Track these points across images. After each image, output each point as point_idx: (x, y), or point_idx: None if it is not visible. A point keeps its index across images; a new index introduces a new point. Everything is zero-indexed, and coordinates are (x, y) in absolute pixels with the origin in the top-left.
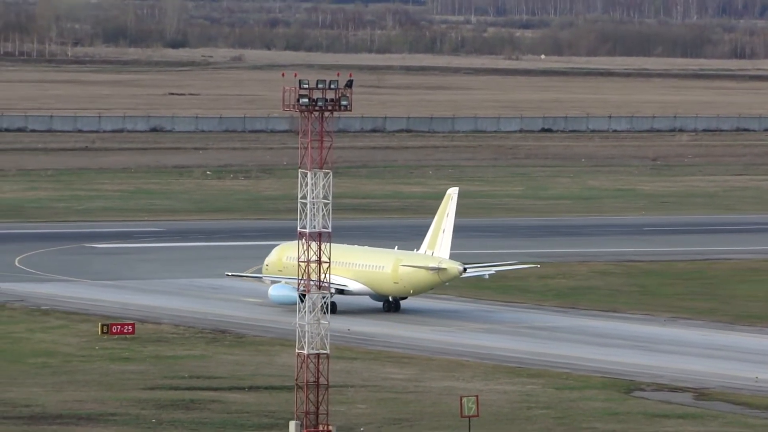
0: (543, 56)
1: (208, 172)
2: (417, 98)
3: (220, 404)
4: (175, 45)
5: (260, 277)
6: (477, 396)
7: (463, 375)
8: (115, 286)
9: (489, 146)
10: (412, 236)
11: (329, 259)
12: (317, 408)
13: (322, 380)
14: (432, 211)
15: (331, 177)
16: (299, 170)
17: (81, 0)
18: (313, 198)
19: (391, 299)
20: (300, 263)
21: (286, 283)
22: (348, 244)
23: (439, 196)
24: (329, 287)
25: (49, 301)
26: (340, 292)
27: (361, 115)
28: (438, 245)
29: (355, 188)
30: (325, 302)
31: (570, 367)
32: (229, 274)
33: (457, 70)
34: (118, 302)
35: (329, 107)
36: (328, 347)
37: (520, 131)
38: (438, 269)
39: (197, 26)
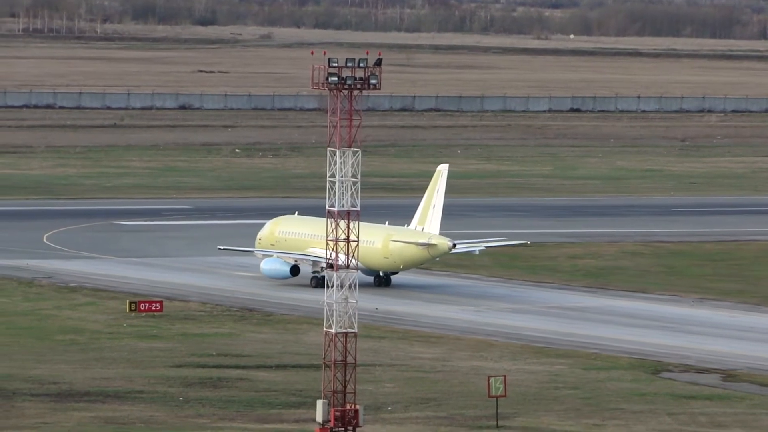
0: (572, 36)
1: (236, 150)
2: (446, 77)
3: (247, 382)
4: (204, 22)
5: (252, 251)
6: (505, 376)
7: (491, 355)
8: (143, 264)
9: (518, 126)
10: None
11: (357, 237)
12: (345, 387)
13: (349, 359)
14: (460, 191)
15: (359, 156)
16: (328, 149)
17: None
18: (341, 177)
19: (381, 274)
20: (328, 242)
21: (277, 257)
22: (375, 223)
23: (468, 176)
24: (354, 265)
25: (77, 278)
26: (331, 266)
27: (390, 94)
28: (428, 221)
29: (384, 167)
30: (317, 276)
31: (598, 347)
32: (221, 248)
33: (486, 50)
34: (145, 280)
35: (358, 86)
36: (356, 326)
37: (549, 111)
38: (428, 245)
39: (226, 4)
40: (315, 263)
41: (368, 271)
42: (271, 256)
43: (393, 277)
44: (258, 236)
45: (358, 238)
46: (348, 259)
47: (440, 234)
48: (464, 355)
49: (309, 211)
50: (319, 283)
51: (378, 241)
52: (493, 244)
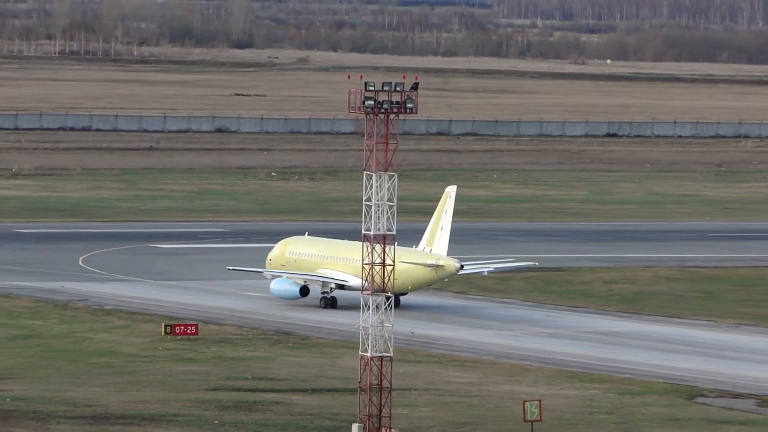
0: (609, 61)
1: (272, 173)
2: (482, 101)
3: (282, 406)
4: (241, 46)
5: (261, 272)
6: (540, 400)
7: (526, 379)
8: (178, 287)
9: (554, 150)
10: (476, 239)
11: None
12: (380, 411)
13: (385, 383)
14: (496, 216)
15: (395, 179)
16: (364, 172)
17: (147, 0)
18: (377, 200)
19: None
20: (364, 266)
21: (287, 277)
22: (408, 247)
23: (504, 200)
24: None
25: (112, 301)
26: (341, 287)
27: (426, 118)
28: (436, 242)
29: (420, 191)
30: (326, 297)
31: (632, 372)
32: (231, 268)
33: (522, 74)
34: (181, 303)
35: (395, 110)
36: (391, 350)
37: (585, 136)
38: (436, 266)
39: (263, 27)
40: (324, 284)
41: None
42: (281, 276)
43: (404, 298)
44: (268, 257)
45: (394, 262)
46: (383, 282)
47: (449, 255)
48: (499, 379)
49: (345, 235)
50: (328, 303)
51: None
52: (502, 265)
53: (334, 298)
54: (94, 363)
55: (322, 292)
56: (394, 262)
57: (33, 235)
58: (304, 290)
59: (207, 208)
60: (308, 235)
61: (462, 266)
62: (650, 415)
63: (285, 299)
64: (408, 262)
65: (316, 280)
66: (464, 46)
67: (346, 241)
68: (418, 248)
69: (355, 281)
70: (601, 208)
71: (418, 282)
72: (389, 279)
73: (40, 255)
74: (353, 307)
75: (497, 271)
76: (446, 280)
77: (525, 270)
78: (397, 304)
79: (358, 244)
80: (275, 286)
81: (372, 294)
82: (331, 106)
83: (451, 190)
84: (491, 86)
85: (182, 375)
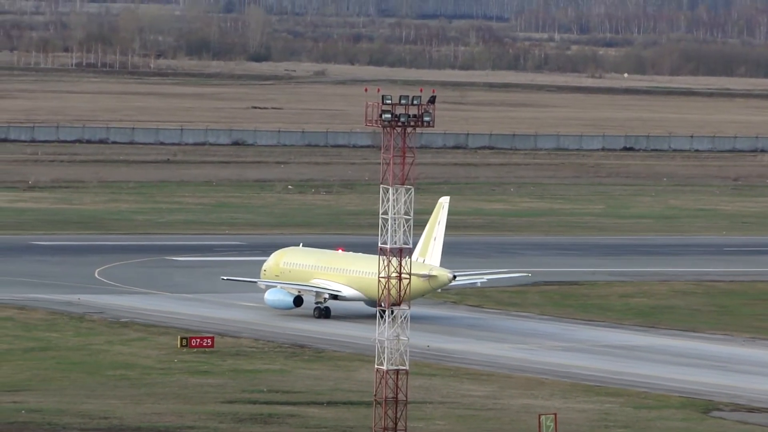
0: (626, 75)
1: (289, 187)
2: (499, 115)
3: (298, 419)
4: (258, 58)
5: (255, 282)
6: (555, 414)
7: (541, 393)
8: (194, 299)
9: (571, 164)
10: (492, 253)
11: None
12: (395, 424)
13: (401, 396)
14: (513, 229)
15: (412, 193)
16: (381, 186)
17: (164, 12)
18: (394, 214)
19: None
20: (380, 279)
21: (281, 287)
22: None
23: (521, 214)
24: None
25: (128, 314)
26: (335, 297)
27: (443, 132)
28: (429, 253)
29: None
30: (320, 307)
31: (648, 386)
32: (225, 278)
33: (539, 88)
34: (197, 315)
35: (412, 123)
36: (407, 363)
37: (602, 149)
38: (429, 276)
39: (280, 40)
40: (318, 294)
41: (370, 302)
42: (275, 286)
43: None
44: (263, 268)
45: (410, 274)
46: (400, 297)
47: (443, 267)
48: (515, 392)
49: (361, 249)
50: (322, 313)
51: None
52: (495, 276)
53: (327, 308)
54: (109, 375)
55: (316, 302)
56: (401, 274)
57: (49, 247)
58: (298, 300)
59: (224, 221)
60: (302, 245)
61: (455, 277)
62: (666, 429)
63: (279, 309)
64: None
65: (309, 291)
66: (481, 59)
67: (339, 252)
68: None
69: (347, 291)
70: (618, 222)
71: (411, 292)
72: (405, 292)
73: (57, 267)
74: (346, 317)
75: (490, 282)
76: (439, 290)
77: (520, 281)
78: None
79: (351, 254)
80: (269, 296)
81: (388, 307)
82: (348, 119)
83: (444, 201)
84: (508, 100)
85: (198, 387)
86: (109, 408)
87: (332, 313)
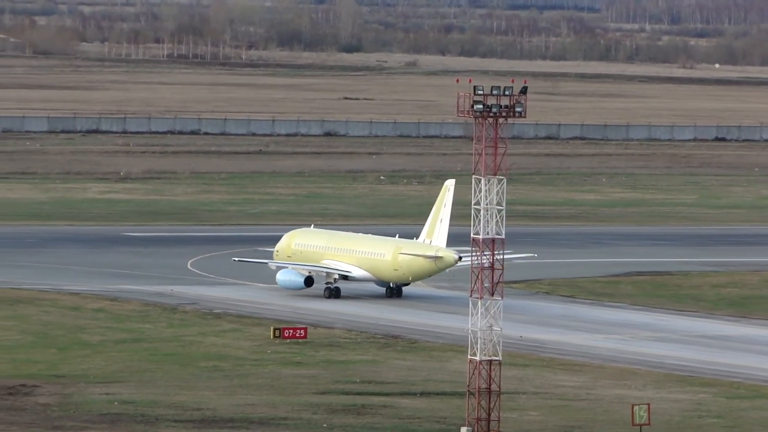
0: (717, 65)
1: (381, 177)
2: (591, 105)
3: (391, 409)
4: (349, 49)
5: (266, 263)
6: (648, 404)
7: (634, 383)
8: (286, 291)
9: (663, 154)
10: (585, 244)
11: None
12: (489, 414)
13: (494, 387)
14: (605, 220)
15: (504, 183)
16: (473, 176)
17: (255, 3)
18: (486, 204)
19: (392, 285)
20: (473, 269)
21: (292, 268)
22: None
23: (613, 205)
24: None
25: (221, 305)
26: (345, 278)
27: (535, 122)
28: (435, 234)
29: (528, 195)
30: (330, 288)
31: (741, 376)
32: (236, 259)
33: (631, 78)
34: (290, 306)
35: (504, 113)
36: (500, 354)
37: (694, 140)
38: (435, 257)
39: (372, 31)
40: (328, 274)
41: (380, 282)
42: (286, 267)
43: (406, 289)
44: (275, 248)
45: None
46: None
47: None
48: (608, 383)
49: (454, 239)
50: (332, 293)
51: (388, 254)
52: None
53: (337, 288)
54: (202, 366)
55: (326, 283)
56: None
57: (141, 238)
58: (309, 281)
59: (316, 211)
60: (314, 227)
61: (460, 258)
62: (759, 419)
63: (290, 289)
64: (408, 254)
65: (320, 271)
66: (573, 50)
67: (350, 233)
68: (418, 240)
69: (357, 272)
70: (710, 212)
71: (418, 273)
72: (498, 282)
73: (149, 258)
74: (356, 297)
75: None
76: (447, 271)
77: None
78: (400, 294)
79: (360, 235)
80: (281, 276)
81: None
82: (440, 110)
83: (449, 184)
84: (600, 90)
85: (291, 378)
86: (202, 399)
87: (342, 294)
